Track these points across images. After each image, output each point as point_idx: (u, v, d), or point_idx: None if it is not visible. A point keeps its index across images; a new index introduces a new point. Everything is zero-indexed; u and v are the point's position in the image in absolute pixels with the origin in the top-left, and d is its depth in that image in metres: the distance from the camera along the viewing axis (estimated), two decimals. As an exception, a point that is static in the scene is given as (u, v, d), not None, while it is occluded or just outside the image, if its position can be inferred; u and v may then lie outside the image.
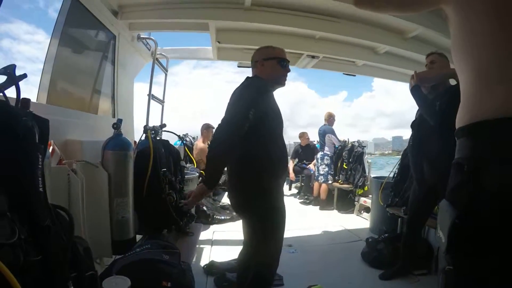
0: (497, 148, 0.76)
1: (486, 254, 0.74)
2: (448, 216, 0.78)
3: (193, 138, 6.37)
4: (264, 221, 1.64)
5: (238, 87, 1.68)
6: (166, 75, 4.37)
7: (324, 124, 5.54)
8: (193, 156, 5.19)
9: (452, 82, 2.31)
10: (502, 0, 0.80)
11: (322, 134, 5.53)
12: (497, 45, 0.79)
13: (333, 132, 5.45)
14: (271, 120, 1.67)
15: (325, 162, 5.38)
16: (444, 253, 0.78)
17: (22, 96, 1.04)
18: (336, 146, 5.45)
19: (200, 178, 1.95)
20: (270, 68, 1.73)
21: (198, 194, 1.59)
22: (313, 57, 4.02)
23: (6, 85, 1.02)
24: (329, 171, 5.35)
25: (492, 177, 0.75)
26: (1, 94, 0.99)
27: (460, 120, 0.87)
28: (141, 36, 3.68)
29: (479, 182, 0.77)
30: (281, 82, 1.78)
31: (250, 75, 1.80)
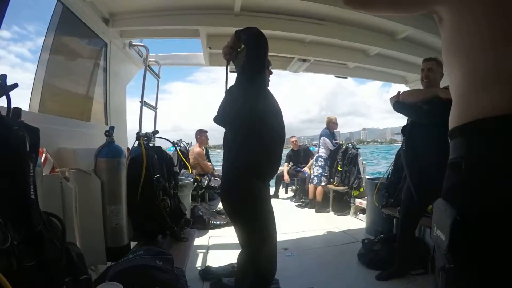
0: (498, 144, 0.75)
1: (492, 249, 0.73)
2: (448, 215, 0.77)
3: (187, 143, 6.35)
4: (253, 221, 1.67)
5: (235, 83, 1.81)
6: (158, 81, 4.37)
7: (325, 128, 5.62)
8: (188, 162, 5.19)
9: None
10: (500, 1, 0.80)
11: (320, 136, 5.63)
12: (495, 45, 0.79)
13: (328, 136, 5.50)
14: (269, 119, 1.72)
15: (319, 164, 5.42)
16: (444, 250, 0.77)
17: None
18: (331, 149, 5.49)
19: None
20: None
21: None
22: (304, 60, 4.04)
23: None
24: (323, 173, 5.37)
25: (497, 173, 0.75)
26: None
27: (454, 120, 0.87)
28: (133, 43, 3.68)
29: (479, 179, 0.77)
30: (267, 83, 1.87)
31: None
